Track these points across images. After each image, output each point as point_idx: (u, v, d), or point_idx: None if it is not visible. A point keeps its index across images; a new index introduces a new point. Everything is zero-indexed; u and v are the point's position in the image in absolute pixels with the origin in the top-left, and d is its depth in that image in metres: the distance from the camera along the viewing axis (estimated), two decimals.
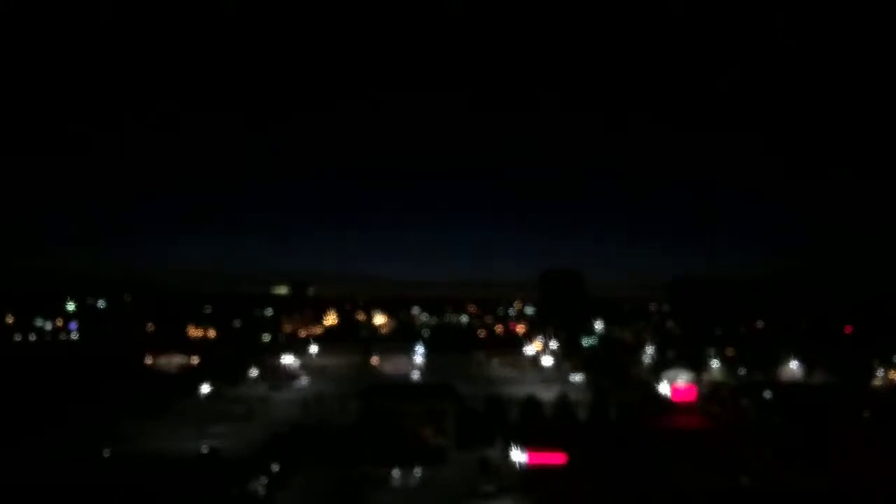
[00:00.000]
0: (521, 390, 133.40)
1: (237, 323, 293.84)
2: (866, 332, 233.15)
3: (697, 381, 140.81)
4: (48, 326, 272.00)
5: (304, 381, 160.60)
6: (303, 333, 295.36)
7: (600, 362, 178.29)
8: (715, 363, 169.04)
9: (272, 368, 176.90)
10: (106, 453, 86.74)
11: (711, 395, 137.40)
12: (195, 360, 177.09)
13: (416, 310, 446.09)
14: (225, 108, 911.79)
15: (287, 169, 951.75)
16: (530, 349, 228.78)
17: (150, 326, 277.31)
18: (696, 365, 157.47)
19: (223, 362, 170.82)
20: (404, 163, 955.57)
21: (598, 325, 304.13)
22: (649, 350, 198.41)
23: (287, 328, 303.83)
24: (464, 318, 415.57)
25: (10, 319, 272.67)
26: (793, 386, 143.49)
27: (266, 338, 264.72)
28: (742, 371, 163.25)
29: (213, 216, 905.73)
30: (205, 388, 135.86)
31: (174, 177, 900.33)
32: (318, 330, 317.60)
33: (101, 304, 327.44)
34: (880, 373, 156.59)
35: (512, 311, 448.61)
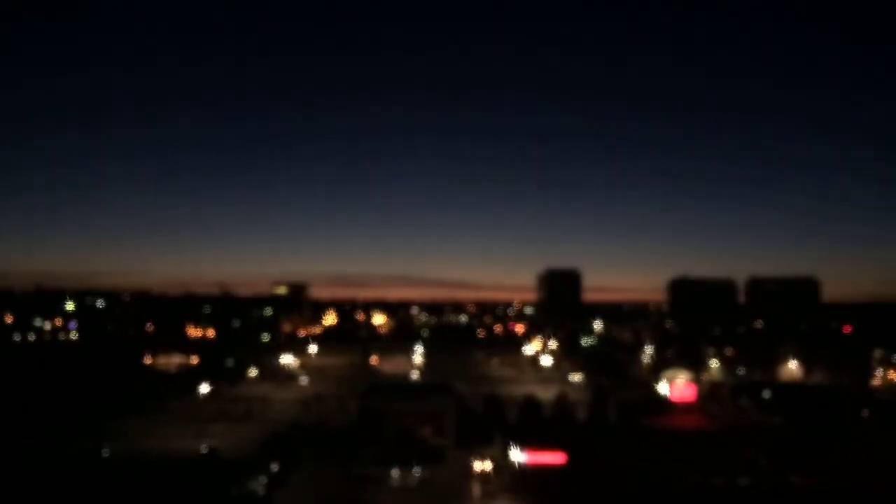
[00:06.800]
0: (521, 390, 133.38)
1: (237, 323, 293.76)
2: (866, 332, 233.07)
3: (697, 380, 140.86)
4: (47, 326, 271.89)
5: (303, 380, 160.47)
6: (302, 333, 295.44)
7: (599, 362, 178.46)
8: (714, 363, 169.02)
9: (271, 368, 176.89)
10: (106, 453, 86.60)
11: (710, 394, 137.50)
12: (194, 359, 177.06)
13: (415, 310, 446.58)
14: (225, 107, 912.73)
15: (287, 168, 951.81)
16: (529, 349, 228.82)
17: (149, 326, 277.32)
18: (696, 365, 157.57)
19: (222, 362, 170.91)
20: (403, 163, 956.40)
21: (598, 325, 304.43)
22: (648, 350, 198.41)
23: (286, 328, 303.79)
24: (463, 319, 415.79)
25: (9, 319, 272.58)
26: (792, 386, 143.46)
27: (265, 338, 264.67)
28: (741, 371, 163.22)
29: (212, 216, 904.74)
30: (204, 388, 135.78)
31: (173, 177, 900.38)
32: (317, 330, 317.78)
33: (100, 303, 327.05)
34: (880, 373, 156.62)
35: (511, 311, 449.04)
